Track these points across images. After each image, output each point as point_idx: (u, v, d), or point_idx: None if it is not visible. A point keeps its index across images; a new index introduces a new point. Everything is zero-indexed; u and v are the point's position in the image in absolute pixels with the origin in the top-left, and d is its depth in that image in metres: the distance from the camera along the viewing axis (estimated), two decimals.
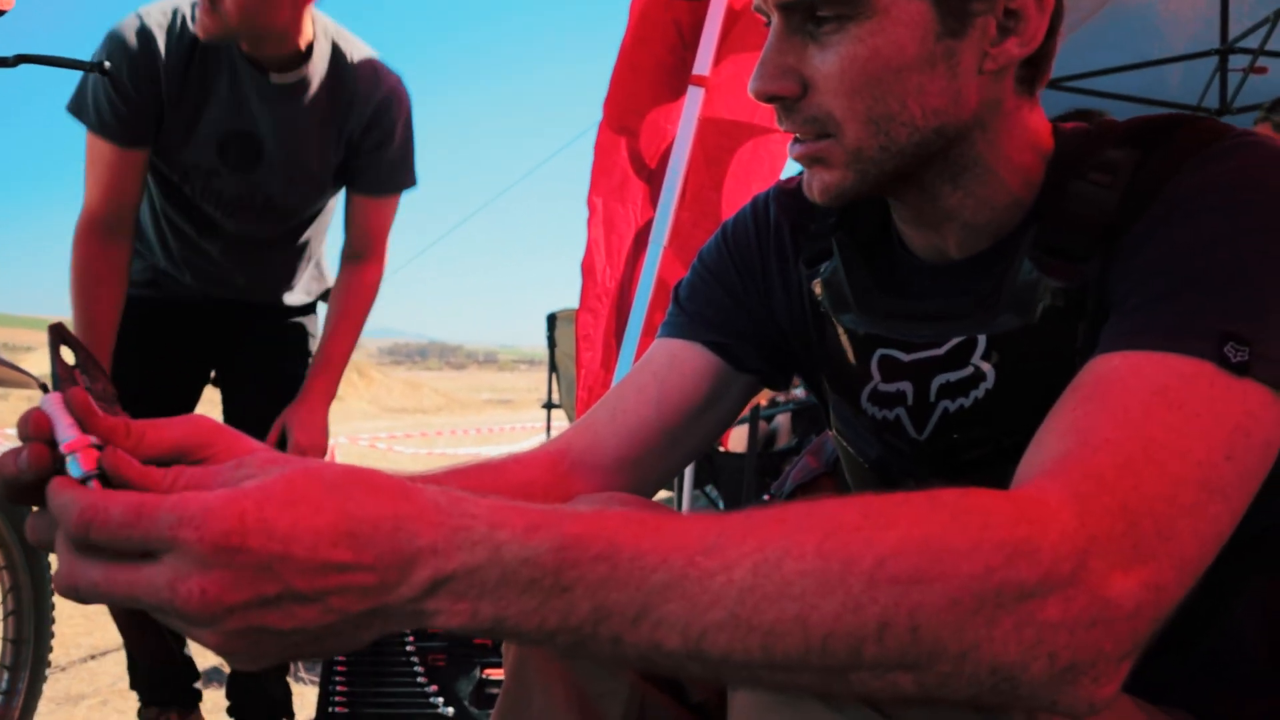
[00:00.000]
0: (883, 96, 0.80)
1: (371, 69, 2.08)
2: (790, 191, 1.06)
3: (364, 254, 2.19)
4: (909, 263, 0.95)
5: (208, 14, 1.81)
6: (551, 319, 5.02)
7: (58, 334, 0.65)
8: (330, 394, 2.16)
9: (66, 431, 0.58)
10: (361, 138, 2.07)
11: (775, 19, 0.82)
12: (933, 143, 0.83)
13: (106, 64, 1.70)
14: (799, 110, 0.83)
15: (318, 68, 2.02)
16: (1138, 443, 0.63)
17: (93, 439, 0.59)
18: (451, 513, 0.56)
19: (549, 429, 5.52)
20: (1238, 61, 4.59)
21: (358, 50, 2.08)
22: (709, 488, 4.16)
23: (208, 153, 2.04)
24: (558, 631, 0.56)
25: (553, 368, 5.25)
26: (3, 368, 1.95)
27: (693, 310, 1.07)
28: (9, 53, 1.62)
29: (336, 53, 2.04)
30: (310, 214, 2.25)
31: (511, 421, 16.34)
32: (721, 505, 4.08)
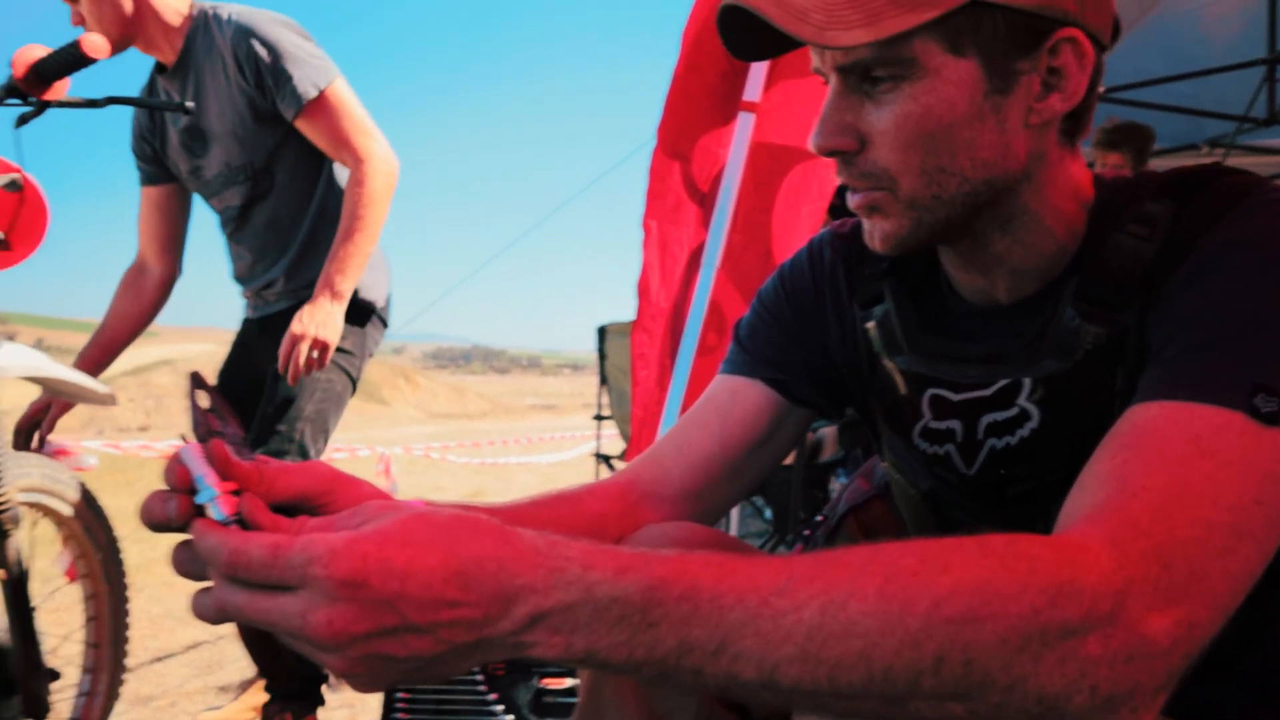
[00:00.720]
0: (935, 150, 0.85)
1: (223, 16, 2.25)
2: (844, 236, 1.11)
3: (345, 163, 2.29)
4: (957, 306, 1.00)
5: (85, 38, 1.98)
6: (602, 331, 5.05)
7: (195, 381, 0.73)
8: (332, 289, 2.21)
9: (208, 481, 0.67)
10: (248, 76, 2.23)
11: (834, 79, 0.88)
12: (983, 193, 0.88)
13: (190, 104, 1.80)
14: (856, 164, 0.88)
15: (198, 42, 2.25)
16: (1172, 490, 0.68)
17: (230, 486, 0.67)
18: (549, 554, 0.62)
19: (599, 440, 5.57)
20: None
21: (225, 9, 2.26)
22: (756, 498, 4.19)
23: (185, 157, 2.35)
24: (644, 663, 0.62)
25: (603, 380, 5.28)
26: (75, 385, 2.06)
27: (752, 349, 1.13)
28: (99, 95, 1.72)
29: (206, 19, 2.25)
30: (277, 167, 2.36)
31: (557, 429, 16.41)
32: (769, 514, 4.11)
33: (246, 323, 2.59)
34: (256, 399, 2.36)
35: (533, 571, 0.61)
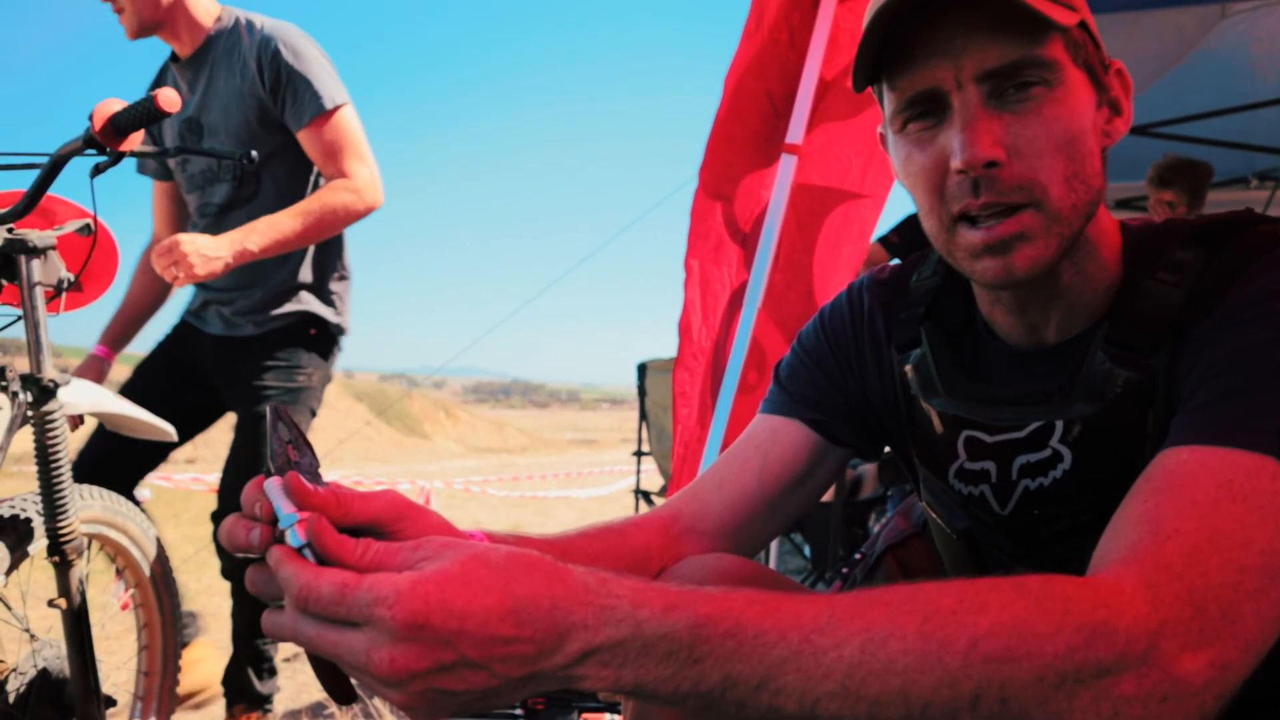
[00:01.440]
0: (1074, 156, 0.87)
1: (256, 25, 2.38)
2: (882, 281, 1.14)
3: (332, 178, 2.39)
4: (994, 349, 1.02)
5: (122, 17, 2.25)
6: (642, 368, 5.07)
7: (275, 414, 0.78)
8: (239, 241, 2.25)
9: (286, 511, 0.72)
10: (266, 80, 2.34)
11: (970, 95, 0.86)
12: (1094, 207, 0.90)
13: (255, 154, 1.88)
14: (1002, 179, 0.86)
15: (221, 41, 2.38)
16: (1204, 533, 0.69)
17: (306, 515, 0.72)
18: (599, 592, 0.66)
19: (639, 475, 5.57)
20: None
21: (259, 20, 2.39)
22: (795, 535, 4.18)
23: (178, 145, 2.44)
24: (689, 695, 0.65)
25: (643, 416, 5.30)
26: (136, 420, 2.13)
27: (793, 390, 1.16)
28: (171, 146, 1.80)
29: (238, 24, 2.38)
30: (265, 173, 2.45)
31: (596, 464, 16.40)
32: (808, 552, 4.09)
33: (190, 328, 2.65)
34: (175, 405, 2.42)
35: (584, 609, 0.65)
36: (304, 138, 2.37)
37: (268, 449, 0.77)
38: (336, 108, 2.35)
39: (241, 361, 2.50)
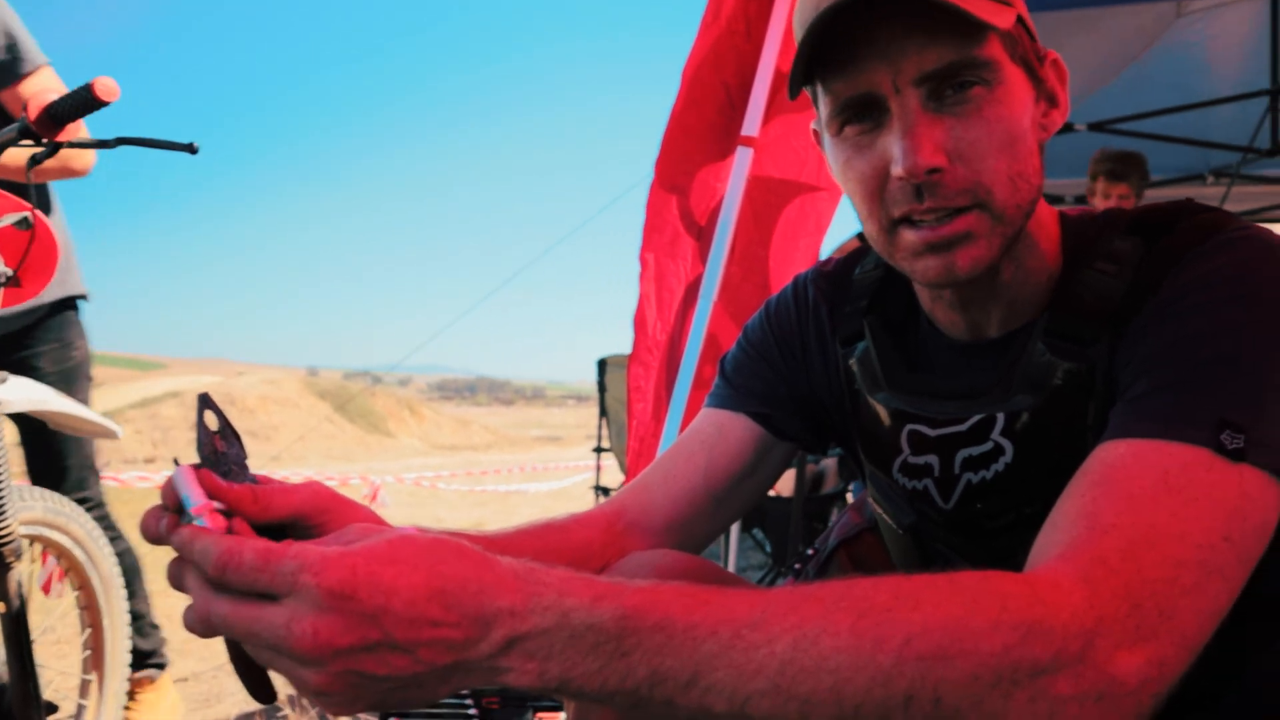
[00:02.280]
0: (1016, 156, 0.86)
1: None
2: (827, 274, 1.13)
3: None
4: (936, 343, 1.01)
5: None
6: (602, 364, 5.05)
7: (204, 402, 0.75)
8: None
9: (194, 500, 0.69)
10: None
11: (909, 97, 0.84)
12: (1034, 203, 0.90)
13: (195, 144, 1.83)
14: (946, 185, 0.85)
15: None
16: (1141, 528, 0.68)
17: (217, 504, 0.69)
18: (527, 579, 0.63)
19: (599, 472, 5.56)
20: None
21: None
22: (756, 530, 4.18)
23: None
24: (617, 692, 0.63)
25: (603, 412, 5.28)
26: (79, 419, 2.08)
27: (738, 383, 1.14)
28: (110, 135, 1.75)
29: None
30: None
31: (559, 460, 16.40)
32: (769, 548, 4.10)
33: None
34: None
35: (511, 595, 0.62)
36: (11, 94, 2.30)
37: (196, 439, 0.74)
38: (46, 66, 2.30)
39: None
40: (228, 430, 0.76)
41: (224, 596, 0.63)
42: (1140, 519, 0.69)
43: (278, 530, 0.74)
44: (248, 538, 0.64)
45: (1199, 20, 4.75)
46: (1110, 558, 0.67)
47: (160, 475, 7.70)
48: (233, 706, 3.10)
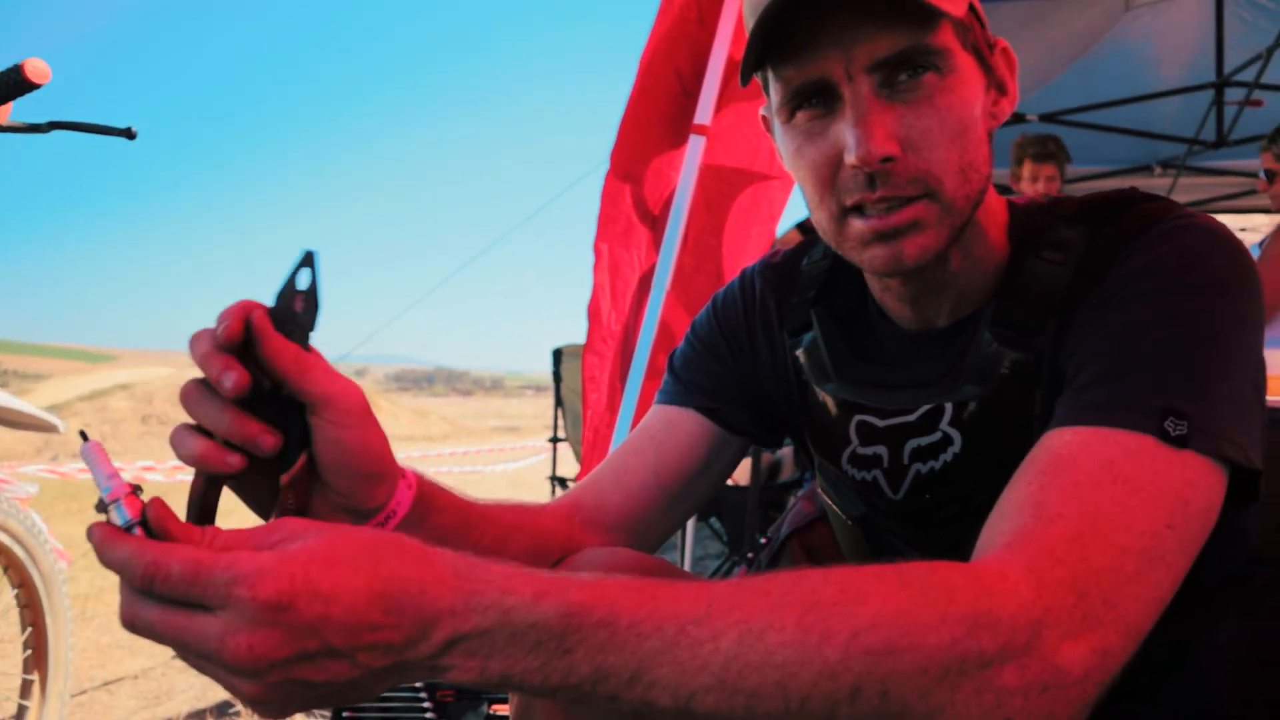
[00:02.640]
0: (966, 145, 0.85)
1: None
2: (774, 266, 1.12)
3: None
4: (885, 333, 1.01)
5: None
6: (557, 354, 5.03)
7: (307, 259, 0.73)
8: None
9: (107, 480, 0.64)
10: None
11: (861, 84, 0.83)
12: (984, 193, 0.89)
13: (133, 129, 1.78)
14: (897, 173, 0.84)
15: None
16: (1087, 517, 0.68)
17: (133, 486, 0.64)
18: (468, 577, 0.61)
19: (555, 462, 5.53)
20: (1234, 94, 4.65)
21: None
22: (713, 519, 4.19)
23: None
24: (559, 688, 0.61)
25: (558, 402, 5.26)
26: (17, 412, 2.02)
27: (686, 378, 1.13)
28: (43, 119, 1.69)
29: None
30: None
31: (514, 448, 16.38)
32: (726, 537, 4.10)
33: None
34: None
35: (452, 595, 0.60)
36: None
37: (281, 285, 0.72)
38: None
39: None
40: (312, 297, 0.73)
41: (151, 603, 0.60)
42: (1085, 508, 0.69)
43: (295, 407, 0.73)
44: (174, 546, 0.60)
45: (1146, 15, 4.83)
46: (1056, 547, 0.67)
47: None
48: (183, 703, 3.06)
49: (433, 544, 0.64)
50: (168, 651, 0.68)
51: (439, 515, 0.89)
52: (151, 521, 0.63)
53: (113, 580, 0.66)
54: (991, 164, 0.90)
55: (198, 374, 0.73)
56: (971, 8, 0.87)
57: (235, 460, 0.73)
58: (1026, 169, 3.75)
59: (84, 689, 3.23)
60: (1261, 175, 3.24)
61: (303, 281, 0.72)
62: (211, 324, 0.73)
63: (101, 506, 0.64)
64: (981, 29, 0.89)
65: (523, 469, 11.51)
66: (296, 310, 0.72)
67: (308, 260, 0.72)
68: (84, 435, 0.68)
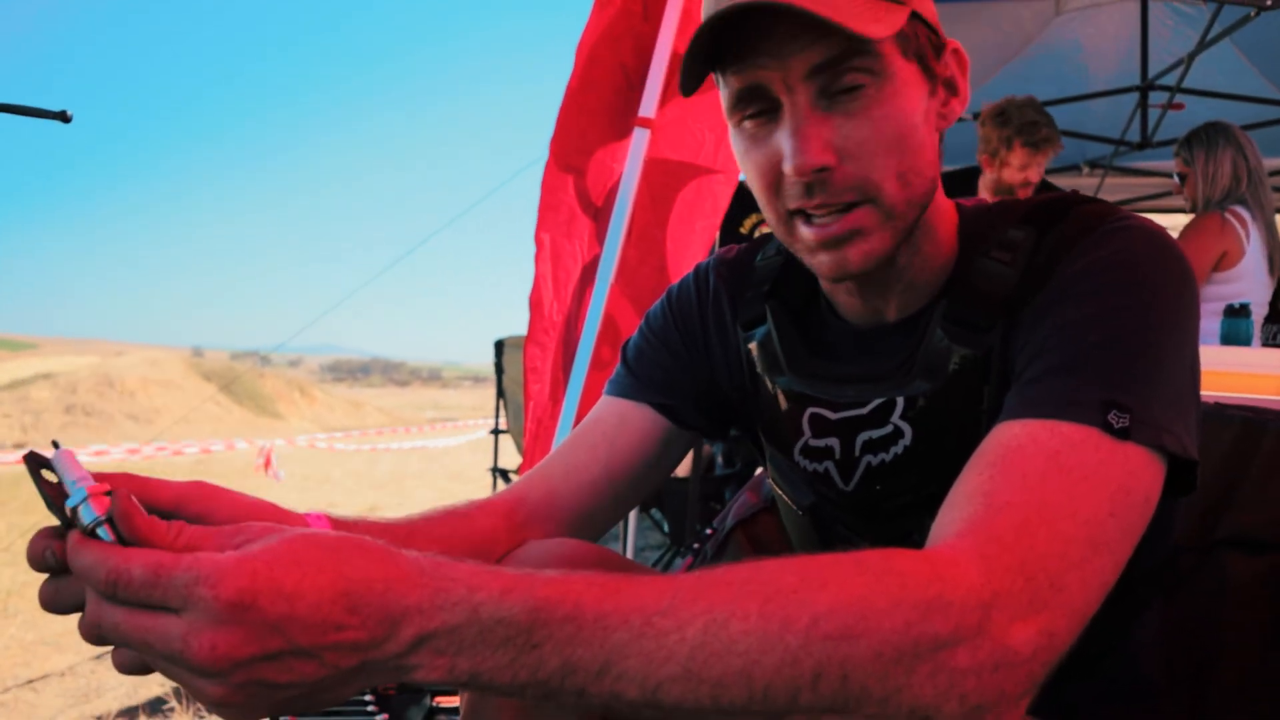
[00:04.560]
0: (906, 152, 0.87)
1: None
2: (728, 261, 1.13)
3: None
4: (837, 327, 1.03)
5: None
6: (499, 345, 5.01)
7: (34, 462, 0.67)
8: None
9: (78, 483, 0.63)
10: None
11: (800, 95, 0.85)
12: (930, 195, 0.91)
13: (68, 112, 1.73)
14: (835, 181, 0.86)
15: None
16: (1034, 505, 0.71)
17: (102, 488, 0.63)
18: (435, 575, 0.62)
19: (496, 454, 5.52)
20: (1157, 98, 4.79)
21: None
22: (654, 511, 4.21)
23: None
24: (528, 684, 0.62)
25: (500, 394, 5.24)
26: None
27: (640, 372, 1.14)
28: None
29: None
30: None
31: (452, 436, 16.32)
32: (667, 528, 4.13)
33: None
34: None
35: (419, 593, 0.61)
36: None
37: (43, 498, 0.66)
38: None
39: None
40: (71, 470, 0.67)
41: (116, 605, 0.60)
42: (1032, 497, 0.71)
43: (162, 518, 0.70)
44: (136, 550, 0.60)
45: (1075, 19, 4.96)
46: (1005, 535, 0.69)
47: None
48: (113, 701, 2.99)
49: None
50: (95, 648, 0.66)
51: None
52: (118, 516, 0.62)
53: (36, 576, 0.65)
54: (939, 165, 0.92)
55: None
56: (917, 15, 0.88)
57: None
58: (1018, 156, 3.25)
59: (7, 688, 3.15)
60: (1175, 178, 3.34)
61: (53, 478, 0.66)
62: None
63: (68, 523, 0.64)
64: (932, 32, 0.91)
65: (462, 455, 11.42)
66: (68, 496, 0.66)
67: (36, 463, 0.67)
68: (56, 445, 0.67)
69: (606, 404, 1.15)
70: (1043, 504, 0.71)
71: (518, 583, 0.62)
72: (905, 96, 0.87)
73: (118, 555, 0.60)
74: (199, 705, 2.58)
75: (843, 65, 0.84)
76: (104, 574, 0.59)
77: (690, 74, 0.89)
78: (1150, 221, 0.88)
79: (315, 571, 0.59)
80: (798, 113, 0.85)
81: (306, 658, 0.59)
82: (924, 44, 0.90)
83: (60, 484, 0.66)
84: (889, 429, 0.96)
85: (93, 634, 0.62)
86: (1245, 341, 2.79)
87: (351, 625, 0.59)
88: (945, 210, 0.97)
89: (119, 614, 0.60)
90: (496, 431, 5.46)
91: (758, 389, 1.08)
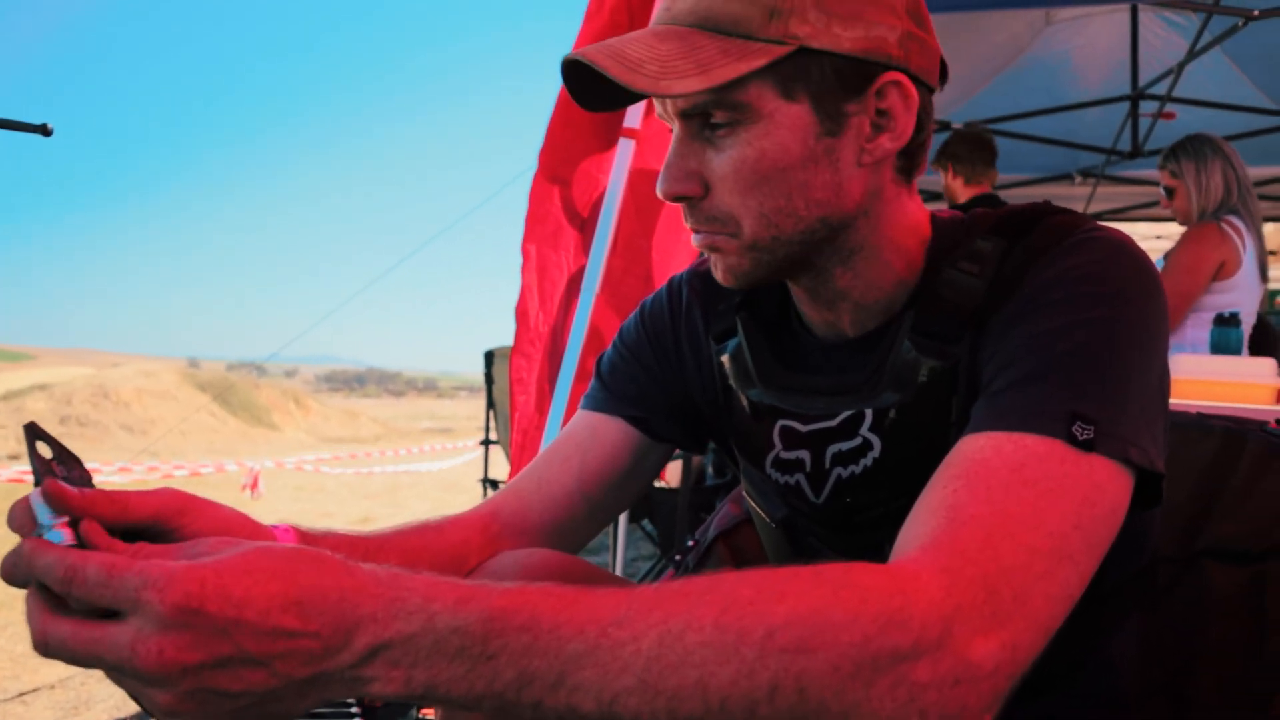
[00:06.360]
0: (771, 193, 0.87)
1: None
2: (701, 274, 1.13)
3: None
4: (807, 340, 1.02)
5: None
6: (489, 356, 5.00)
7: (33, 432, 0.70)
8: None
9: (46, 516, 0.65)
10: None
11: (677, 126, 0.89)
12: (819, 230, 0.90)
13: (49, 125, 1.73)
14: (701, 210, 0.90)
15: None
16: (998, 519, 0.70)
17: (68, 518, 0.65)
18: (390, 585, 0.62)
19: (486, 464, 5.50)
20: (1148, 107, 4.81)
21: None
22: (645, 521, 4.20)
23: None
24: (484, 696, 0.61)
25: (490, 404, 5.23)
26: None
27: (613, 386, 1.14)
28: None
29: None
30: None
31: (446, 449, 16.30)
32: (657, 539, 4.12)
33: None
34: None
35: (374, 602, 0.60)
36: None
37: (31, 470, 0.69)
38: None
39: None
40: (64, 454, 0.72)
41: (64, 617, 0.60)
42: (996, 510, 0.71)
43: (135, 535, 0.71)
44: (93, 551, 0.61)
45: (1066, 29, 4.98)
46: (969, 548, 0.68)
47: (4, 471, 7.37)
48: (102, 713, 2.98)
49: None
50: None
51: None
52: (83, 538, 0.64)
53: (18, 592, 0.66)
54: (847, 198, 0.89)
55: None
56: (814, 51, 0.83)
57: None
58: (957, 182, 3.66)
59: None
60: (1163, 191, 3.34)
61: (46, 452, 0.71)
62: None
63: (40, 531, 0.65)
64: (857, 67, 0.85)
65: (455, 467, 11.41)
66: (61, 476, 0.70)
67: (34, 434, 0.70)
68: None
69: (580, 417, 1.15)
70: (1006, 517, 0.70)
71: (474, 593, 0.62)
72: (778, 138, 0.85)
73: (74, 555, 0.60)
74: None
75: (706, 106, 0.85)
76: (61, 572, 0.60)
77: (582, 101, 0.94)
78: (1119, 232, 0.87)
79: (266, 579, 0.59)
80: (675, 141, 0.90)
81: (256, 666, 0.59)
82: (827, 82, 0.85)
83: (52, 465, 0.69)
84: (858, 441, 0.96)
85: (40, 648, 0.61)
86: (1235, 350, 2.79)
87: (304, 634, 0.59)
88: (907, 227, 0.95)
89: (65, 627, 0.60)
90: (487, 442, 5.44)
91: (730, 401, 1.08)
